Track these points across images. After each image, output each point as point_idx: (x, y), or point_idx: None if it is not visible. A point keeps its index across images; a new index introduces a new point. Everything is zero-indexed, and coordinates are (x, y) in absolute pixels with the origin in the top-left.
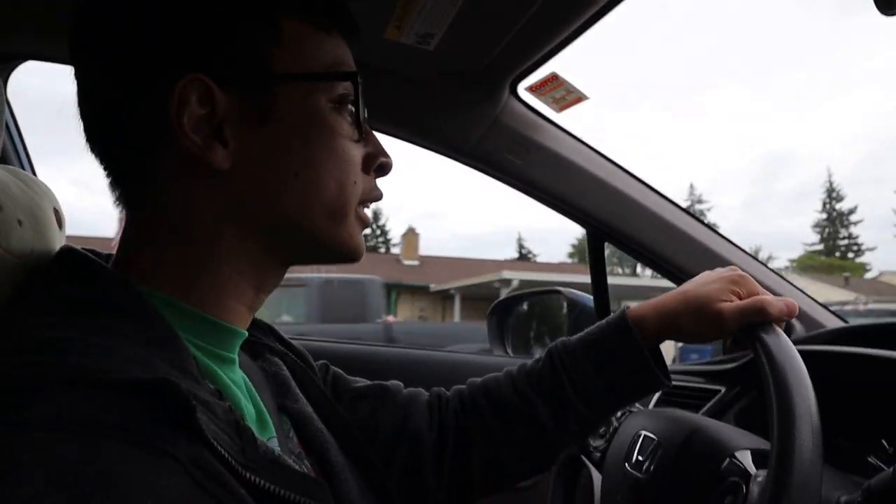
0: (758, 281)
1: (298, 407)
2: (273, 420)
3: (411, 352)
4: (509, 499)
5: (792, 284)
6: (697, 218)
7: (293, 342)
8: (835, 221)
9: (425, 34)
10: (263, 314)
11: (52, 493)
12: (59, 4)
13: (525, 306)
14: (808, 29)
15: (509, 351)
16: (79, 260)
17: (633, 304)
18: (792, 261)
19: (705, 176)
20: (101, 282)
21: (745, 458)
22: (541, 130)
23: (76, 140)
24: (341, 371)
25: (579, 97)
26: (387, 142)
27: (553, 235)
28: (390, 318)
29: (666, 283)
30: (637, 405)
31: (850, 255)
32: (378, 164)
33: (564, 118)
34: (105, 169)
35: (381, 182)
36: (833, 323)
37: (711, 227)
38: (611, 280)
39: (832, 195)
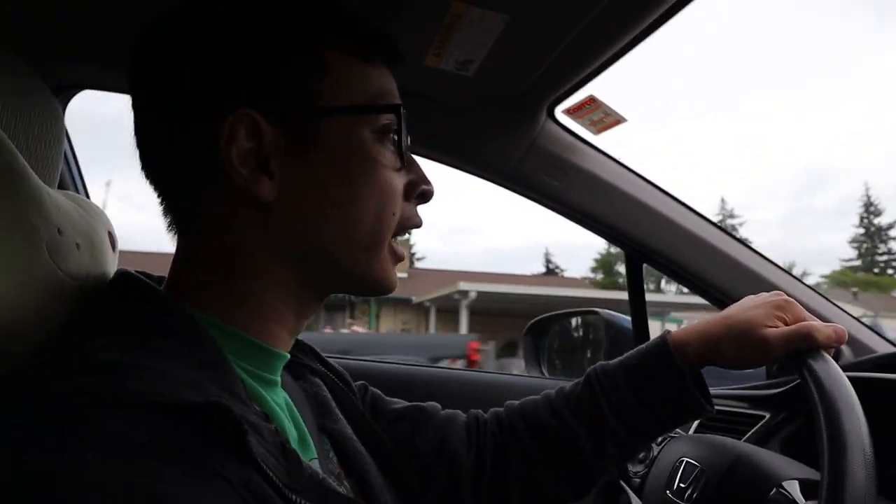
0: (804, 305)
1: (338, 428)
2: (314, 440)
3: (450, 372)
4: None
5: (840, 308)
6: (740, 239)
7: (333, 362)
8: (873, 236)
9: (465, 61)
10: None
11: None
12: (119, 37)
13: (562, 327)
14: (847, 39)
15: (545, 371)
16: (132, 283)
17: (673, 327)
18: (824, 276)
19: (742, 189)
20: (154, 305)
21: (794, 489)
22: (578, 153)
23: (117, 157)
24: (380, 392)
25: (617, 119)
26: (424, 164)
27: (581, 251)
28: (356, 329)
29: (694, 298)
30: (678, 430)
31: (890, 270)
32: (419, 192)
33: (601, 140)
34: (158, 196)
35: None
36: (884, 347)
37: (754, 249)
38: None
39: (870, 209)
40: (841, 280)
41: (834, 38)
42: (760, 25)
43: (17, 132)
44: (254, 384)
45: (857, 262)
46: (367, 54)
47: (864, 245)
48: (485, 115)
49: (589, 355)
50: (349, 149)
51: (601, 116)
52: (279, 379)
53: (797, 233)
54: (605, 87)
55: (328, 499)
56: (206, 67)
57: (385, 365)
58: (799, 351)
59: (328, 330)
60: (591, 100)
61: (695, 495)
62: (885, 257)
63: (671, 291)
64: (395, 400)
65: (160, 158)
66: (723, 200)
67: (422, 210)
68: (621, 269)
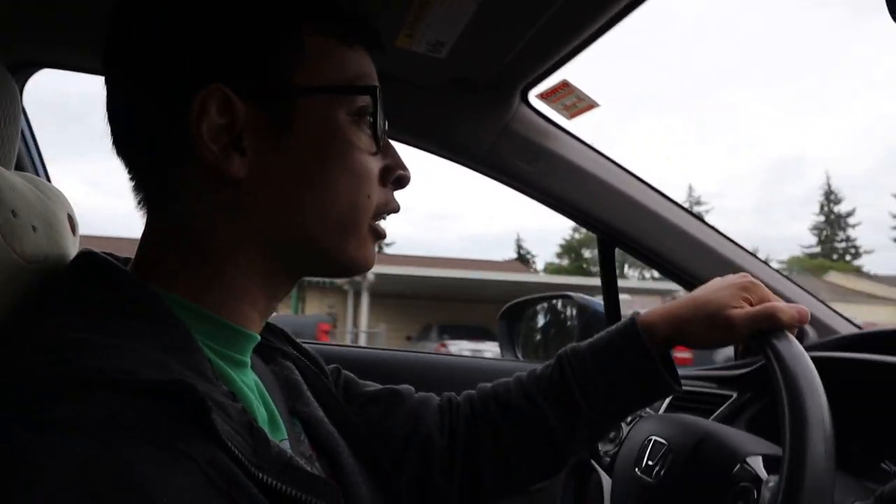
0: (770, 287)
1: (309, 410)
2: (285, 423)
3: (422, 356)
4: (519, 503)
5: (805, 290)
6: (709, 224)
7: (305, 346)
8: (833, 224)
9: (436, 42)
10: None
11: (71, 493)
12: (79, 13)
13: (535, 311)
14: (821, 31)
15: (519, 355)
16: (97, 263)
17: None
18: (782, 262)
19: (714, 178)
20: (119, 284)
21: (757, 464)
22: (552, 137)
23: (85, 140)
24: (353, 375)
25: (590, 104)
26: (399, 149)
27: (554, 235)
28: (276, 313)
29: (655, 284)
30: (647, 410)
31: (848, 257)
32: (395, 177)
33: (575, 125)
34: (129, 173)
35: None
36: (846, 329)
37: (723, 234)
38: (592, 281)
39: (830, 197)
40: (798, 265)
41: (808, 30)
42: (731, 14)
43: None
44: (222, 364)
45: (817, 249)
46: (345, 37)
47: (824, 232)
48: (458, 99)
49: (563, 339)
50: (324, 130)
51: (574, 101)
52: (249, 360)
53: (766, 220)
54: (578, 74)
55: (296, 477)
56: (180, 40)
57: (358, 349)
58: (763, 331)
59: None
60: (565, 84)
61: (662, 472)
62: (843, 244)
63: (633, 277)
64: (369, 383)
65: (131, 133)
66: (690, 188)
67: (398, 195)
68: (586, 254)
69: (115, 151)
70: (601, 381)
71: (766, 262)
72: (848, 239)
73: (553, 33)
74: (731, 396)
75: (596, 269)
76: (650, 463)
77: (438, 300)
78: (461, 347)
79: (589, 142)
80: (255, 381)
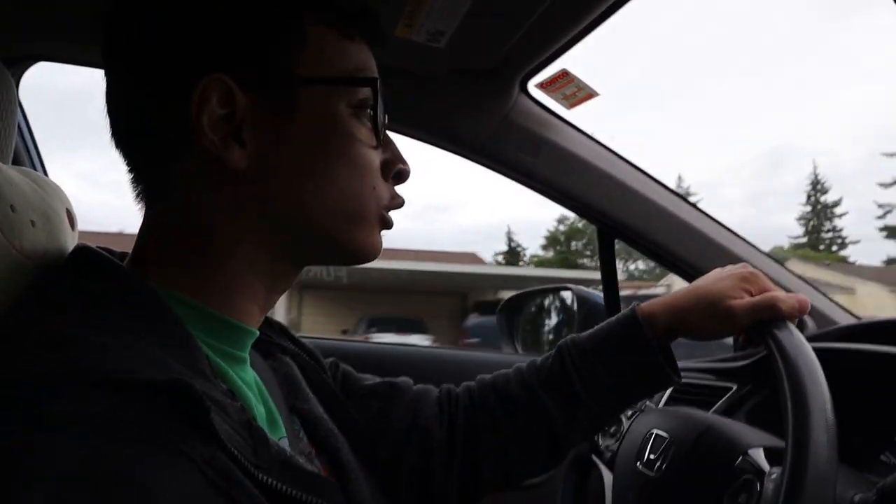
0: (770, 278)
1: (309, 407)
2: (284, 420)
3: (421, 349)
4: (519, 499)
5: (804, 281)
6: (709, 215)
7: (304, 341)
8: (819, 214)
9: (436, 32)
10: None
11: (67, 492)
12: (75, 6)
13: (535, 303)
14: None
15: (519, 348)
16: (93, 258)
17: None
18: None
19: (709, 168)
20: (116, 280)
21: (759, 456)
22: (551, 127)
23: (80, 135)
24: (351, 368)
25: (590, 94)
26: (397, 140)
27: (545, 226)
28: None
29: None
30: (648, 403)
31: (835, 247)
32: (396, 171)
33: (574, 115)
34: (128, 165)
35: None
36: (846, 319)
37: (722, 224)
38: (579, 274)
39: (817, 187)
40: (782, 255)
41: (799, 21)
42: (725, 5)
43: None
44: (220, 361)
45: (804, 239)
46: (347, 29)
47: (811, 222)
48: (457, 89)
49: (562, 331)
50: (324, 122)
51: (574, 90)
52: (248, 356)
53: (758, 210)
54: (581, 67)
55: (296, 476)
56: (181, 30)
57: (356, 343)
58: (764, 321)
59: None
60: (564, 73)
61: (664, 466)
62: (829, 234)
63: (622, 270)
64: (367, 376)
65: (131, 124)
66: (679, 178)
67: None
68: (572, 246)
69: (113, 144)
70: (601, 372)
71: (766, 253)
72: (834, 229)
73: (552, 22)
74: (730, 389)
75: (580, 260)
76: (652, 457)
77: (379, 293)
78: (385, 341)
79: (589, 132)
80: (255, 378)
